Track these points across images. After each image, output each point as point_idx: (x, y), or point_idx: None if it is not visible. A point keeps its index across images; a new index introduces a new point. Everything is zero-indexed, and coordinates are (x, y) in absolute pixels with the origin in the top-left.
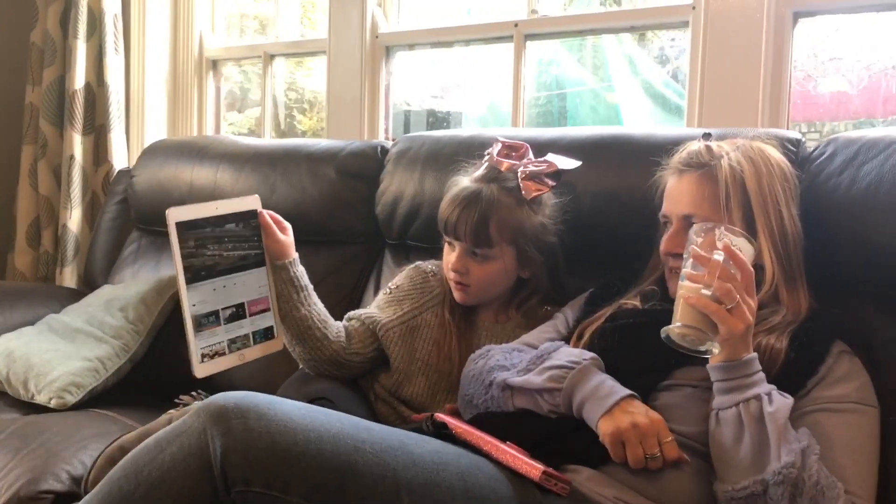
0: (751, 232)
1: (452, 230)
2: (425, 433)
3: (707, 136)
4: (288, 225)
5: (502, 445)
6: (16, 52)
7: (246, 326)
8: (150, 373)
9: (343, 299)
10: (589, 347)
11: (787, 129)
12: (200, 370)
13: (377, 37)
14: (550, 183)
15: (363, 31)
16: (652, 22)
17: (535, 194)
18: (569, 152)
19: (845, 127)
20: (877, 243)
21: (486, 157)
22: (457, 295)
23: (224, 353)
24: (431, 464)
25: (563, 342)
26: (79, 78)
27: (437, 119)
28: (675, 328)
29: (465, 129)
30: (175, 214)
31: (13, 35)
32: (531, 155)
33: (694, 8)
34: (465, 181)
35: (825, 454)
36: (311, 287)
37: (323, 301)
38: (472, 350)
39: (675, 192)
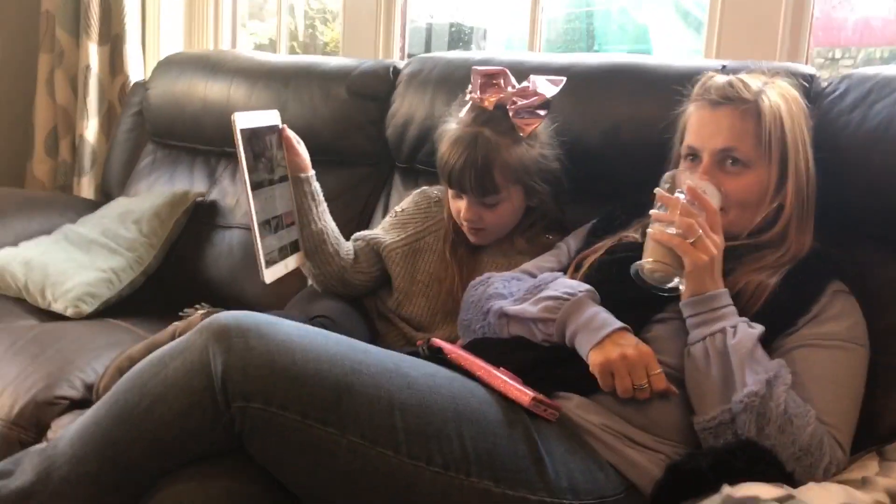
0: (783, 170)
1: (458, 184)
2: (421, 357)
3: (724, 68)
4: (301, 141)
5: (495, 371)
6: None
7: (285, 237)
8: (164, 285)
9: (351, 220)
10: (586, 278)
11: (807, 60)
12: (269, 275)
13: None
14: (542, 113)
15: None
16: None
17: (530, 129)
18: (580, 80)
19: (881, 53)
20: (883, 183)
21: (468, 97)
22: (472, 238)
23: (276, 262)
24: (425, 386)
25: (561, 273)
26: None
27: (460, 34)
28: (644, 264)
29: (478, 52)
30: (240, 121)
31: None
32: (512, 80)
33: None
34: (456, 129)
35: (804, 385)
36: (325, 203)
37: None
38: (475, 277)
39: (710, 125)
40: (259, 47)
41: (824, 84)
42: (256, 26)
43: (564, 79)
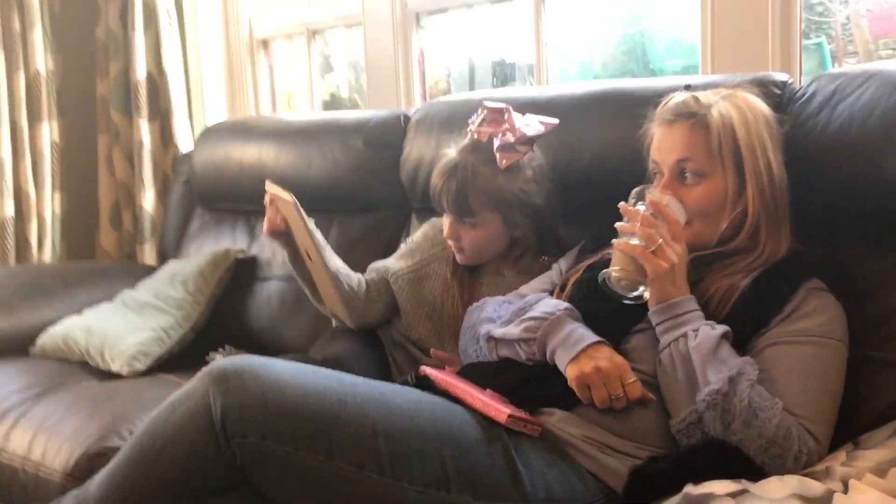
0: (740, 176)
1: (437, 202)
2: (408, 385)
3: (688, 87)
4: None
5: (477, 393)
6: (84, 48)
7: None
8: (211, 338)
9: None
10: (570, 297)
11: (800, 67)
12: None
13: (406, 4)
14: (523, 150)
15: (392, 0)
16: None
17: (507, 163)
18: (567, 109)
19: None
20: (850, 183)
21: (469, 127)
22: (457, 257)
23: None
24: (407, 412)
25: (546, 294)
26: (140, 68)
27: (502, 70)
28: (610, 272)
29: (479, 92)
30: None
31: (80, 33)
32: (513, 116)
33: None
34: (450, 153)
35: (774, 381)
36: (329, 247)
37: (357, 263)
38: (475, 300)
39: (666, 141)
40: (324, 103)
41: (796, 88)
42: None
43: (557, 121)
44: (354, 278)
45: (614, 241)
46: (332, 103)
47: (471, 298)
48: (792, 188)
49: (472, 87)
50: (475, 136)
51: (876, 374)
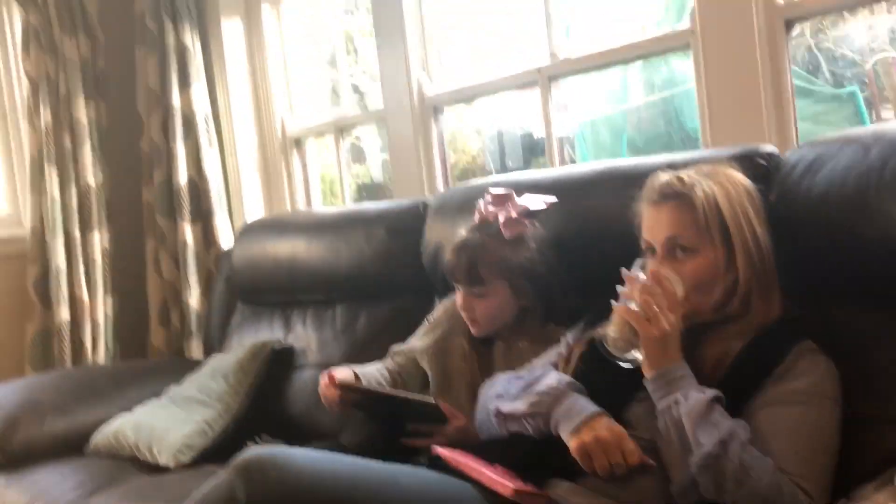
0: (729, 248)
1: (451, 276)
2: (422, 465)
3: (670, 166)
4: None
5: (486, 469)
6: (129, 159)
7: None
8: (253, 428)
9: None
10: (574, 369)
11: (796, 136)
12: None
13: (424, 99)
14: (525, 223)
15: (411, 96)
16: (658, 48)
17: (512, 234)
18: (571, 188)
19: None
20: (836, 245)
21: (476, 209)
22: (471, 329)
23: None
24: (418, 493)
25: (551, 368)
26: (182, 174)
27: (531, 143)
28: (608, 333)
29: (492, 177)
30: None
31: (126, 145)
32: (515, 197)
33: (693, 32)
34: (461, 232)
35: (767, 441)
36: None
37: (385, 348)
38: (490, 375)
39: (656, 221)
40: (361, 187)
41: (782, 159)
42: (357, 168)
43: (555, 199)
44: (388, 385)
45: (614, 303)
46: (367, 188)
47: (486, 368)
48: (782, 253)
49: (502, 160)
50: (482, 215)
51: (867, 431)
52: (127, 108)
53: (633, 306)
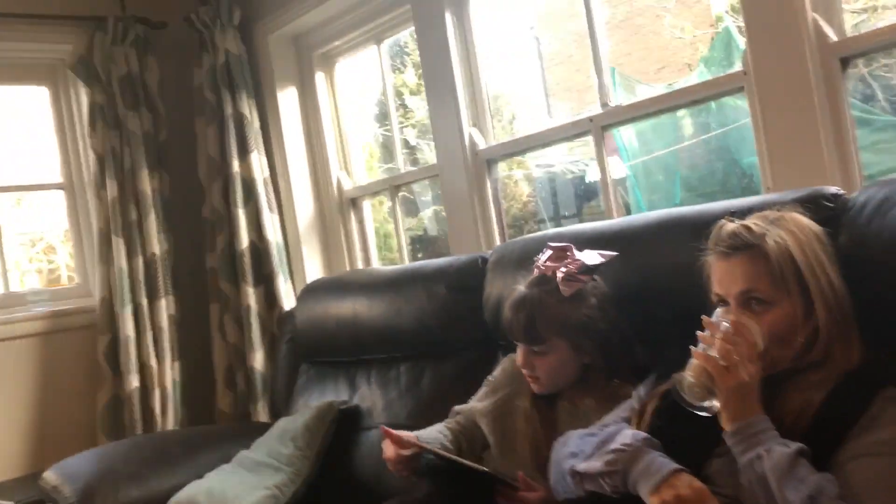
0: (806, 297)
1: (510, 333)
2: None
3: (732, 215)
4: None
5: None
6: (193, 227)
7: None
8: (323, 490)
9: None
10: (648, 425)
11: (859, 173)
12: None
13: (477, 154)
14: (583, 278)
15: (464, 151)
16: (713, 93)
17: (570, 291)
18: (631, 240)
19: None
20: None
21: (536, 263)
22: (533, 387)
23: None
24: None
25: (625, 424)
26: (244, 239)
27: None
28: (684, 377)
29: (551, 231)
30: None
31: (189, 214)
32: (575, 251)
33: (745, 73)
34: (519, 288)
35: (858, 496)
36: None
37: (450, 405)
38: (557, 435)
39: (728, 274)
40: (414, 240)
41: (847, 199)
42: (410, 222)
43: (616, 253)
44: (448, 436)
45: (693, 349)
46: (420, 240)
47: (550, 428)
48: (856, 296)
49: (555, 206)
50: (541, 270)
51: None
52: (189, 178)
53: (712, 353)
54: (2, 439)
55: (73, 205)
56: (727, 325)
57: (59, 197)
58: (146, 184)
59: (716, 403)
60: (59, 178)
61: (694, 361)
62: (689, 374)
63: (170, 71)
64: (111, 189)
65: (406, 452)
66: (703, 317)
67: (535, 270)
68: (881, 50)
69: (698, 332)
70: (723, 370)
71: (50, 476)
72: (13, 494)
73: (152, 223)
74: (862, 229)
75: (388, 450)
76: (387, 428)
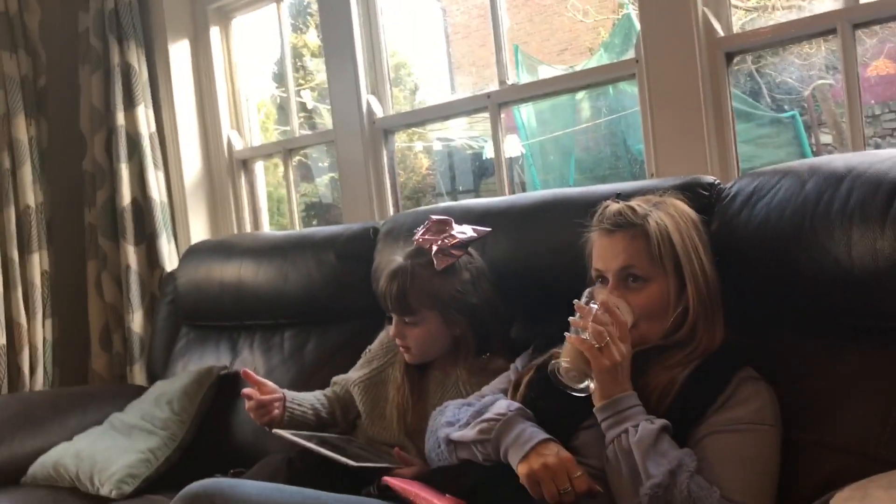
0: (679, 278)
1: (383, 304)
2: (372, 496)
3: (619, 196)
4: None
5: (435, 499)
6: (72, 180)
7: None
8: (198, 456)
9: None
10: (523, 396)
11: (737, 164)
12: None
13: (374, 122)
14: (458, 253)
15: (361, 119)
16: (605, 77)
17: (443, 265)
18: (518, 217)
19: None
20: (773, 275)
21: (415, 236)
22: (405, 356)
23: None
24: None
25: (501, 395)
26: (126, 195)
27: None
28: (560, 363)
29: (442, 204)
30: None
31: (69, 166)
32: (454, 226)
33: (637, 61)
34: (396, 259)
35: (712, 469)
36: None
37: (334, 373)
38: (427, 404)
39: (609, 250)
40: (309, 206)
41: (722, 189)
42: (306, 187)
43: (489, 229)
44: (326, 412)
45: (567, 334)
46: (315, 206)
47: (420, 397)
48: (723, 281)
49: (452, 181)
50: (418, 243)
51: (805, 455)
52: (70, 128)
53: (584, 335)
54: None
55: None
56: (596, 306)
57: None
58: (21, 131)
59: (591, 385)
60: None
61: (568, 345)
62: (564, 360)
63: (53, 13)
64: None
65: (266, 398)
66: (575, 301)
67: (414, 243)
68: (765, 48)
69: (570, 319)
70: (596, 352)
71: None
72: None
73: (27, 172)
74: (732, 218)
75: (251, 392)
76: (248, 371)
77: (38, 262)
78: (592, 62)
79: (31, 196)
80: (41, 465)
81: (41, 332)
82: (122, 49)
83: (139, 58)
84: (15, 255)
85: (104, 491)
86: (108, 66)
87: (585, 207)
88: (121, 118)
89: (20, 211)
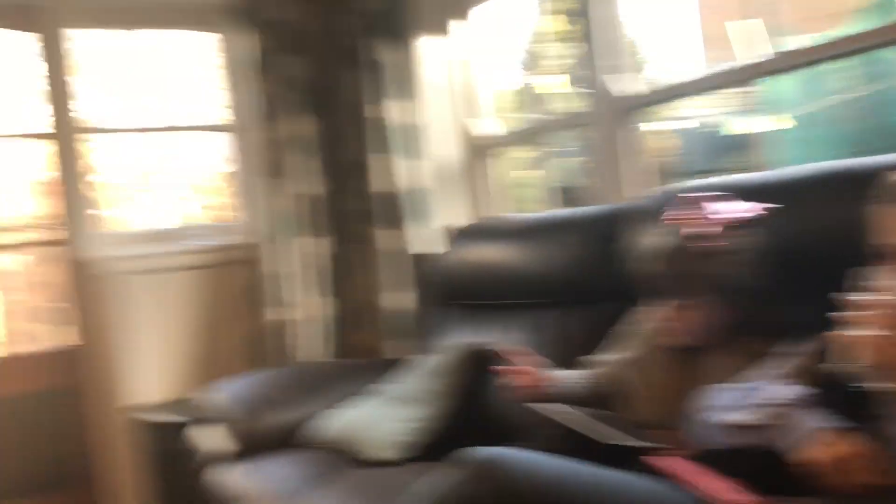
0: None
1: (652, 286)
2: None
3: None
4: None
5: (713, 481)
6: (337, 171)
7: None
8: (462, 428)
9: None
10: (810, 383)
11: None
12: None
13: (621, 101)
14: (724, 233)
15: (608, 100)
16: (875, 42)
17: (707, 245)
18: (786, 193)
19: None
20: None
21: (665, 216)
22: (674, 340)
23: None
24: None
25: (777, 381)
26: (383, 183)
27: (729, 140)
28: (851, 363)
29: (701, 181)
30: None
31: (331, 157)
32: (713, 205)
33: None
34: (662, 240)
35: None
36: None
37: (594, 353)
38: (692, 387)
39: None
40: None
41: None
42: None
43: (761, 207)
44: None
45: (854, 332)
46: (563, 190)
47: (690, 382)
48: None
49: (701, 159)
50: (678, 224)
51: None
52: (332, 122)
53: (873, 330)
54: (164, 364)
55: (239, 146)
56: (875, 296)
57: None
58: (297, 127)
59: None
60: (218, 120)
61: (861, 345)
62: (858, 357)
63: (319, 17)
64: (270, 131)
65: (534, 376)
66: (846, 296)
67: (673, 224)
68: None
69: (846, 314)
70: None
71: (217, 397)
72: (179, 412)
73: (312, 165)
74: None
75: (522, 379)
76: (514, 348)
77: (315, 246)
78: (845, 30)
79: (314, 187)
80: (322, 428)
81: (322, 308)
82: (380, 46)
83: (395, 53)
84: (293, 239)
85: (378, 455)
86: (367, 63)
87: (864, 180)
88: (378, 111)
89: (305, 200)
